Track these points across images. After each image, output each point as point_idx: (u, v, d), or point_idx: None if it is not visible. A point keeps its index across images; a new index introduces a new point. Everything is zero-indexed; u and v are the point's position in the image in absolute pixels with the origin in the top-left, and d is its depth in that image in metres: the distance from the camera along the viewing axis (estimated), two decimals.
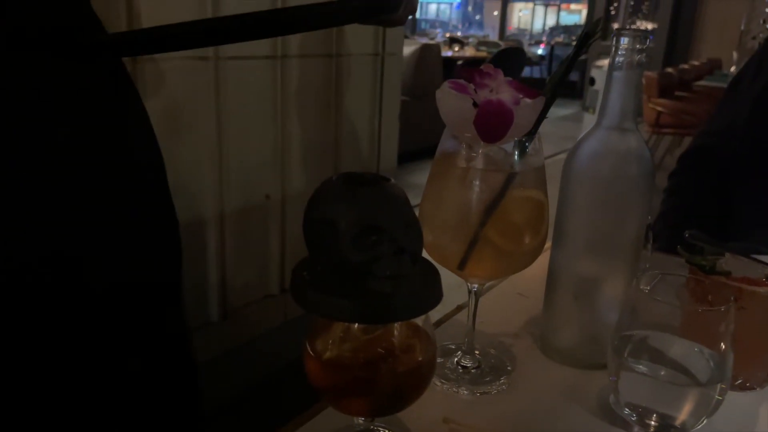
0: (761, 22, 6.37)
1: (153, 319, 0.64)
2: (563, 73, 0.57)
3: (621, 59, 0.57)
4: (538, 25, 14.65)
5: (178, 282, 0.69)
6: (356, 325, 0.46)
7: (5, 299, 0.50)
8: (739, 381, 0.61)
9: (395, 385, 0.46)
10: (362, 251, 0.41)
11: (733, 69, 5.87)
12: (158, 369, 0.66)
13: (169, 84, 1.34)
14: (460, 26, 15.81)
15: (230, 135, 1.49)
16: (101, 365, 0.58)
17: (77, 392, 0.56)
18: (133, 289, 0.60)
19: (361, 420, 0.50)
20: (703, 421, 0.51)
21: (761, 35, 6.20)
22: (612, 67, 0.58)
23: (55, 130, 0.53)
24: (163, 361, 0.67)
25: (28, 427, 0.54)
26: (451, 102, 0.53)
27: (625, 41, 0.57)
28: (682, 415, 0.51)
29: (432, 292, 0.43)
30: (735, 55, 6.31)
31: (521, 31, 14.39)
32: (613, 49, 0.58)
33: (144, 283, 0.62)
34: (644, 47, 0.57)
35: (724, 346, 0.51)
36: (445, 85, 0.53)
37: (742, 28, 6.55)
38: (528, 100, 0.52)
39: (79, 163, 0.54)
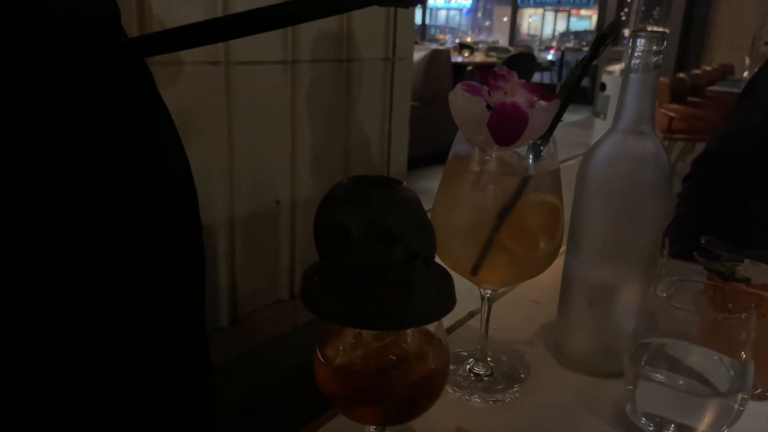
0: None
1: (179, 318, 0.65)
2: (579, 76, 0.56)
3: (637, 61, 0.56)
4: (548, 31, 14.62)
5: (202, 283, 0.70)
6: (368, 331, 0.45)
7: (32, 297, 0.50)
8: (759, 390, 0.59)
9: (407, 392, 0.45)
10: (374, 256, 0.40)
11: (745, 74, 5.82)
12: (179, 369, 0.66)
13: (179, 88, 1.34)
14: (469, 32, 15.81)
15: (240, 140, 1.49)
16: (125, 364, 0.58)
17: (96, 390, 0.57)
18: (160, 289, 0.60)
19: (372, 428, 0.49)
20: None
21: None
22: (628, 69, 0.57)
23: (83, 131, 0.53)
24: (184, 362, 0.67)
25: (42, 423, 0.54)
26: (465, 104, 0.52)
27: (641, 42, 0.56)
28: (701, 425, 0.50)
29: (445, 298, 0.42)
30: (747, 60, 6.26)
31: (531, 37, 14.38)
32: (630, 50, 0.57)
33: (171, 283, 0.62)
34: (661, 48, 0.56)
35: (744, 355, 0.50)
36: (458, 87, 0.53)
37: (754, 33, 6.50)
38: (543, 103, 0.51)
39: (108, 165, 0.55)
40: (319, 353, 0.45)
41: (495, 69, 0.53)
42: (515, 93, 0.51)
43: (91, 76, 0.55)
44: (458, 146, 0.57)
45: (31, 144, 0.50)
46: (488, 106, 0.51)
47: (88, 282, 0.54)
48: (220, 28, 0.57)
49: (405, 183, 0.43)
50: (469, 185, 0.56)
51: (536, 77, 9.55)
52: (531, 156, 0.55)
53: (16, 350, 0.51)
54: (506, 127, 0.50)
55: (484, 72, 0.52)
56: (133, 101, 0.61)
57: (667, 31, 6.94)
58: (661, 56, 0.56)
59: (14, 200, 0.49)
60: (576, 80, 0.56)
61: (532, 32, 14.89)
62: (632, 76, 0.57)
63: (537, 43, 13.51)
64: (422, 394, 0.46)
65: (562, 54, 10.95)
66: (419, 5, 0.65)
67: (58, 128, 0.52)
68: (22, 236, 0.50)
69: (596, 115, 6.49)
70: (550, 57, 11.25)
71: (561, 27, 14.48)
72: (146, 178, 0.60)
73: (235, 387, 1.48)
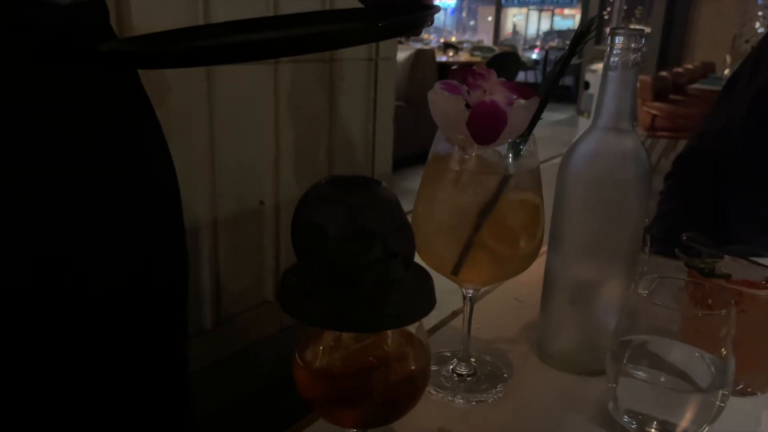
0: (754, 25, 6.40)
1: (159, 322, 0.65)
2: (558, 73, 0.55)
3: (616, 59, 0.56)
4: (532, 30, 14.69)
5: (185, 286, 0.70)
6: (347, 333, 0.44)
7: (17, 300, 0.51)
8: (740, 386, 0.59)
9: (388, 395, 0.44)
10: (352, 257, 0.39)
11: (726, 72, 5.89)
12: (159, 373, 0.66)
13: (162, 89, 1.32)
14: (454, 31, 15.85)
15: (223, 140, 1.48)
16: (107, 367, 0.58)
17: (76, 394, 0.57)
18: (142, 293, 0.61)
19: (353, 431, 0.49)
20: (704, 429, 0.50)
21: (754, 39, 6.22)
22: (607, 67, 0.57)
23: (71, 134, 0.53)
24: (163, 366, 0.67)
25: (23, 428, 0.54)
26: (444, 103, 0.52)
27: (620, 40, 0.56)
28: (683, 422, 0.50)
29: (425, 299, 0.42)
30: (728, 58, 6.34)
31: (516, 36, 14.43)
32: (609, 48, 0.57)
33: (154, 287, 0.62)
34: (639, 46, 0.56)
35: (725, 351, 0.50)
36: (437, 86, 0.52)
37: (735, 31, 6.58)
38: (522, 101, 0.51)
39: (95, 167, 0.55)
40: (298, 356, 0.44)
41: (474, 67, 0.52)
42: (494, 91, 0.51)
43: (83, 80, 0.55)
44: (438, 145, 0.57)
45: (20, 146, 0.50)
46: (467, 105, 0.51)
47: (70, 284, 0.54)
48: (228, 49, 0.55)
49: (383, 183, 0.43)
50: (450, 184, 0.55)
51: (521, 76, 9.59)
52: (511, 155, 0.55)
53: None
54: (485, 125, 0.50)
55: (463, 70, 0.52)
56: (123, 104, 0.61)
57: (647, 29, 7.01)
58: (639, 54, 0.56)
59: None
60: (555, 78, 0.56)
61: (516, 31, 14.96)
62: (611, 73, 0.57)
63: (521, 42, 13.58)
64: (403, 395, 0.45)
65: (546, 53, 11.01)
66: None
67: (49, 131, 0.52)
68: (4, 237, 0.50)
69: (580, 113, 6.53)
70: (534, 56, 11.31)
71: (545, 26, 14.56)
72: (132, 180, 0.60)
73: (219, 389, 1.47)
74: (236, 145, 1.51)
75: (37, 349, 0.53)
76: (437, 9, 0.58)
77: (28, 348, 0.53)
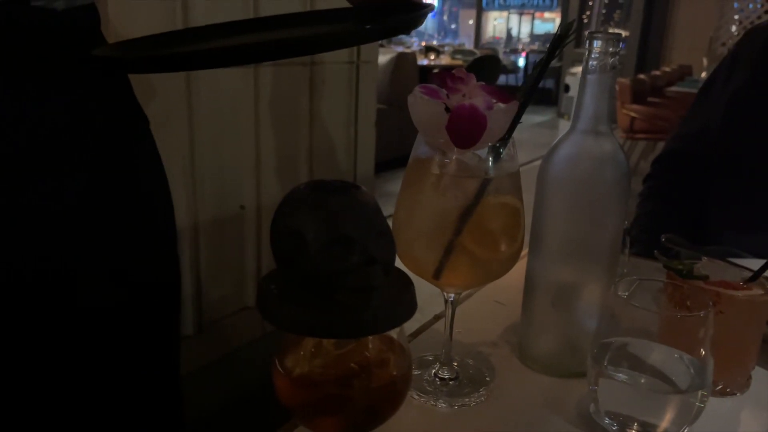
0: (731, 28, 6.50)
1: (154, 325, 0.66)
2: (537, 77, 0.56)
3: (594, 62, 0.57)
4: (513, 34, 14.79)
5: (177, 295, 0.71)
6: (327, 339, 0.44)
7: (8, 306, 0.51)
8: (720, 386, 0.60)
9: (369, 401, 0.44)
10: (331, 262, 0.39)
11: (703, 75, 5.97)
12: (154, 374, 0.68)
13: (140, 92, 1.31)
14: (435, 35, 15.90)
15: (203, 144, 1.46)
16: (104, 368, 0.59)
17: (69, 396, 0.57)
18: (139, 296, 0.62)
19: None
20: (684, 429, 0.50)
21: (730, 42, 6.33)
22: (585, 70, 0.57)
23: (67, 140, 0.54)
24: (158, 367, 0.69)
25: (16, 428, 0.55)
26: (423, 107, 0.52)
27: (598, 44, 0.56)
28: (663, 423, 0.50)
29: (405, 304, 0.42)
30: (705, 61, 6.43)
31: (497, 41, 14.51)
32: (587, 52, 0.57)
33: (147, 291, 0.64)
34: (617, 50, 0.56)
35: (704, 352, 0.50)
36: (417, 90, 0.52)
37: (712, 35, 6.68)
38: (501, 105, 0.51)
39: (90, 171, 0.56)
40: (278, 364, 0.44)
41: (453, 71, 0.52)
42: (474, 95, 0.51)
43: (78, 85, 0.56)
44: (418, 149, 0.56)
45: (16, 150, 0.51)
46: (447, 109, 0.51)
47: (67, 291, 0.55)
48: (228, 54, 0.55)
49: (363, 187, 0.42)
50: (430, 188, 0.55)
51: (502, 80, 9.65)
52: (491, 158, 0.55)
53: None
54: (465, 129, 0.50)
55: (442, 74, 0.52)
56: (116, 110, 0.62)
57: (625, 33, 7.10)
58: (617, 57, 0.57)
59: None
60: (534, 81, 0.56)
61: (497, 35, 15.06)
62: (589, 77, 0.57)
63: (502, 45, 13.66)
64: (385, 401, 0.45)
65: (526, 56, 11.08)
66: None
67: (44, 135, 0.52)
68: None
69: (560, 116, 6.59)
70: (521, 60, 11.37)
71: (525, 30, 14.66)
72: (124, 187, 0.61)
73: (201, 396, 1.46)
74: (216, 149, 1.50)
75: (33, 351, 0.54)
76: (431, 8, 0.58)
77: (24, 348, 0.53)
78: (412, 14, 0.55)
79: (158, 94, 1.34)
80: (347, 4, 0.66)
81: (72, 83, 0.55)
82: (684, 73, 6.27)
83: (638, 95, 4.76)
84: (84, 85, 0.56)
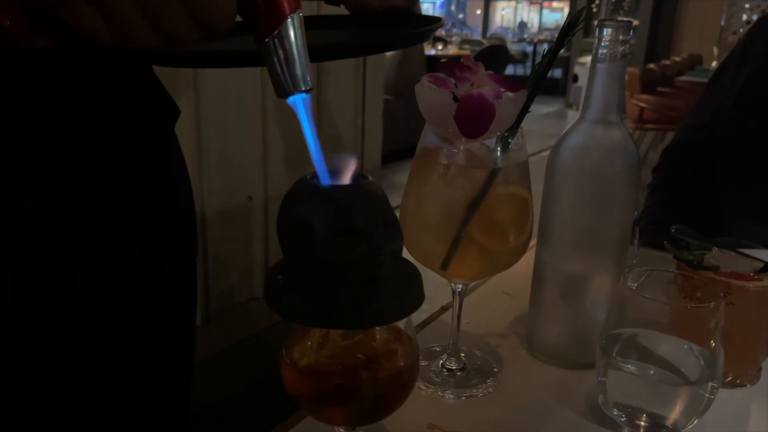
0: (741, 17, 6.43)
1: (172, 310, 0.68)
2: (546, 65, 0.55)
3: (604, 51, 0.56)
4: (521, 23, 14.69)
5: (194, 274, 0.73)
6: (335, 330, 0.44)
7: (32, 298, 0.52)
8: (730, 378, 0.60)
9: (377, 392, 0.44)
10: (338, 252, 0.39)
11: (714, 64, 5.91)
12: (170, 359, 0.69)
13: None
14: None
15: (211, 135, 1.46)
16: (122, 355, 0.60)
17: (87, 388, 0.58)
18: (158, 282, 0.63)
19: (341, 429, 0.48)
20: (694, 421, 0.50)
21: (741, 30, 6.26)
22: (595, 59, 0.57)
23: (96, 137, 0.55)
24: (174, 353, 0.70)
25: (28, 416, 0.56)
26: (431, 97, 0.51)
27: (608, 32, 0.56)
28: (673, 414, 0.49)
29: (413, 294, 0.41)
30: (715, 50, 6.36)
31: (522, 29, 14.36)
32: (597, 40, 0.56)
33: (168, 286, 0.66)
34: (627, 38, 0.56)
35: (714, 344, 0.50)
36: (425, 79, 0.52)
37: (722, 23, 6.61)
38: (510, 94, 0.51)
39: (115, 167, 0.57)
40: (285, 354, 0.44)
41: (461, 60, 0.52)
42: (482, 84, 0.51)
43: (105, 77, 0.56)
44: (426, 139, 0.56)
45: (44, 143, 0.51)
46: (455, 98, 0.50)
47: (102, 264, 0.56)
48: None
49: (370, 177, 0.42)
50: (438, 178, 0.55)
51: (510, 70, 9.59)
52: (499, 148, 0.54)
53: (11, 350, 0.52)
54: (473, 119, 0.49)
55: (450, 63, 0.51)
56: (154, 103, 0.64)
57: (635, 21, 7.03)
58: (627, 46, 0.56)
59: (15, 203, 0.50)
60: (543, 71, 0.55)
61: (505, 24, 14.95)
62: (599, 65, 0.57)
63: (511, 35, 13.57)
64: (392, 392, 0.45)
65: (534, 46, 11.01)
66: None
67: (72, 133, 0.53)
68: (26, 238, 0.51)
69: (569, 106, 6.55)
70: (529, 50, 11.28)
71: (534, 19, 14.55)
72: (160, 172, 0.64)
73: (208, 387, 1.46)
74: (224, 141, 1.50)
75: (53, 339, 0.54)
76: (441, 23, 0.59)
77: (44, 336, 0.54)
78: (428, 27, 0.56)
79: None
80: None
81: (101, 75, 0.56)
82: (694, 63, 6.21)
83: (648, 85, 4.72)
84: (112, 76, 0.57)
